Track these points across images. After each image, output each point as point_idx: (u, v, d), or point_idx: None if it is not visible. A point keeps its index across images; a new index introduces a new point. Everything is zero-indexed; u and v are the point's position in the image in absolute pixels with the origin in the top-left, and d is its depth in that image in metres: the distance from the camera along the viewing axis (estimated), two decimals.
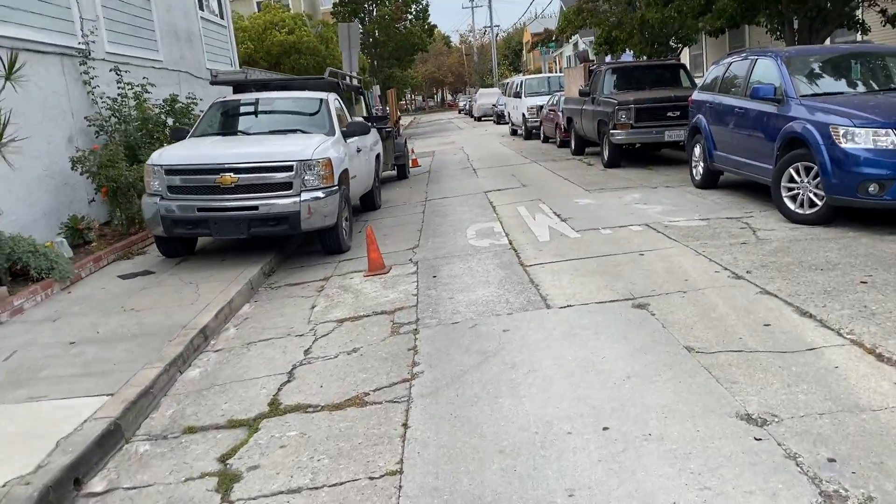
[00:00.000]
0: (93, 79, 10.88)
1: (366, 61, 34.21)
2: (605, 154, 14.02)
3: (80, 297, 7.16)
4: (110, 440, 4.11)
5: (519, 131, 26.62)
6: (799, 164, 7.46)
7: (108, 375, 4.97)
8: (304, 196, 7.84)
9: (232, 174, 7.75)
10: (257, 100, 9.78)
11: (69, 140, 10.26)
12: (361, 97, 13.24)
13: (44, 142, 9.61)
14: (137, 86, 11.79)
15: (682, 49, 19.80)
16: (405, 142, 16.76)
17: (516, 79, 29.60)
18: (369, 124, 9.84)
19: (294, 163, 7.83)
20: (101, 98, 11.04)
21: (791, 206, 7.57)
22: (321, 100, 9.61)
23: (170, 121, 11.91)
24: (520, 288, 6.08)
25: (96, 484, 3.71)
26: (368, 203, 11.78)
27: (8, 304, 6.61)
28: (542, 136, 22.89)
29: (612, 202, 9.83)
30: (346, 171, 8.90)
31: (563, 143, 19.20)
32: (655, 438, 3.35)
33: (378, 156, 12.23)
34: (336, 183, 8.20)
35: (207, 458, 3.86)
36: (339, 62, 29.15)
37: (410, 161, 18.77)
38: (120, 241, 9.31)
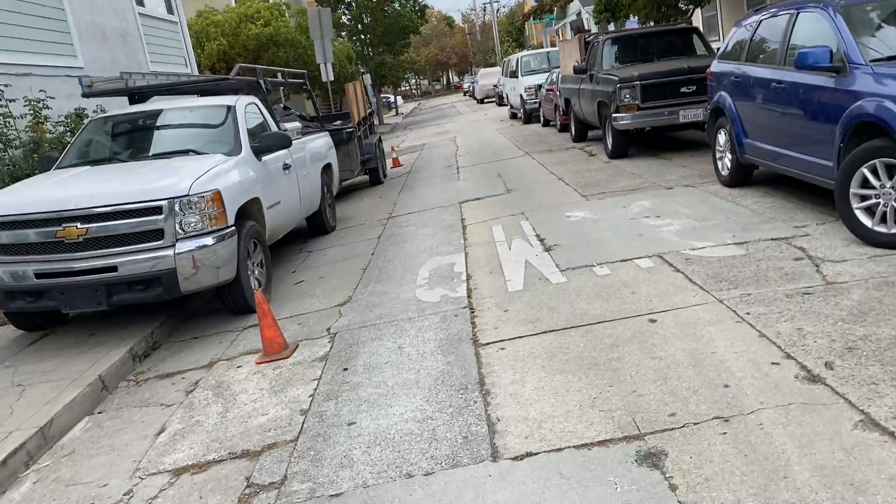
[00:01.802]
0: None
1: (352, 49, 31.82)
2: (609, 142, 11.67)
3: None
4: None
5: (518, 114, 24.26)
6: (876, 161, 5.13)
7: None
8: (183, 246, 5.68)
9: (78, 224, 5.60)
10: (147, 113, 7.57)
11: None
12: (308, 95, 10.96)
13: None
14: (35, 101, 9.72)
15: (693, 11, 17.29)
16: (378, 141, 14.50)
17: (513, 56, 27.14)
18: (289, 135, 7.61)
19: (163, 202, 5.65)
20: None
21: (867, 221, 5.24)
22: (228, 108, 7.39)
23: None
24: (461, 401, 3.83)
25: None
26: (317, 226, 9.59)
27: None
28: (541, 119, 20.53)
29: (615, 214, 7.52)
30: (254, 202, 6.70)
31: (564, 128, 16.86)
32: None
33: (328, 167, 10.01)
34: (230, 223, 6.01)
35: None
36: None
37: (390, 161, 16.56)
38: None
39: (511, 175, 11.67)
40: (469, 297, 5.62)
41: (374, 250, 7.99)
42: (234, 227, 6.07)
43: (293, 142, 8.59)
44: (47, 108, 9.83)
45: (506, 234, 7.45)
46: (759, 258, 5.30)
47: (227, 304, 6.35)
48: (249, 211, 6.69)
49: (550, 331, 4.56)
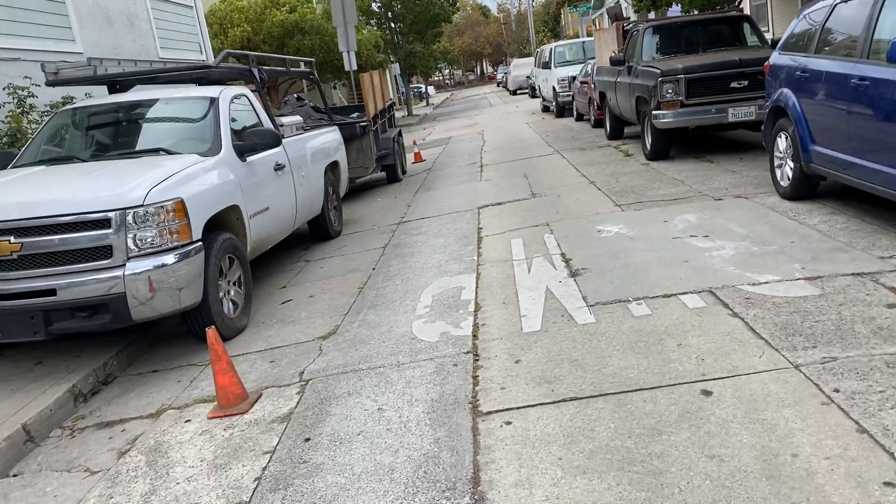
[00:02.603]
0: None
1: (380, 37, 30.81)
2: (648, 142, 10.54)
3: None
4: None
5: (550, 107, 23.10)
6: None
7: None
8: (135, 265, 4.76)
9: (11, 238, 4.70)
10: (119, 105, 6.64)
11: None
12: (316, 86, 9.97)
13: None
14: (19, 88, 8.95)
15: None
16: (397, 136, 13.50)
17: (546, 47, 25.93)
18: (277, 132, 6.62)
19: (112, 213, 4.73)
20: None
21: None
22: (210, 100, 6.45)
23: None
24: None
25: None
26: (320, 231, 8.65)
27: None
28: (574, 112, 19.36)
29: (654, 231, 6.43)
30: (232, 210, 5.77)
31: (598, 123, 15.72)
32: None
33: (335, 165, 9.05)
34: (195, 237, 5.07)
35: None
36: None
37: (412, 156, 15.60)
38: None
39: (538, 176, 10.60)
40: (475, 336, 4.60)
41: (377, 264, 7.01)
42: (200, 242, 5.13)
43: (291, 139, 7.67)
44: (32, 96, 9.03)
45: (526, 251, 6.41)
46: (839, 301, 4.19)
47: (193, 330, 5.41)
48: (226, 220, 5.77)
49: (572, 398, 3.53)
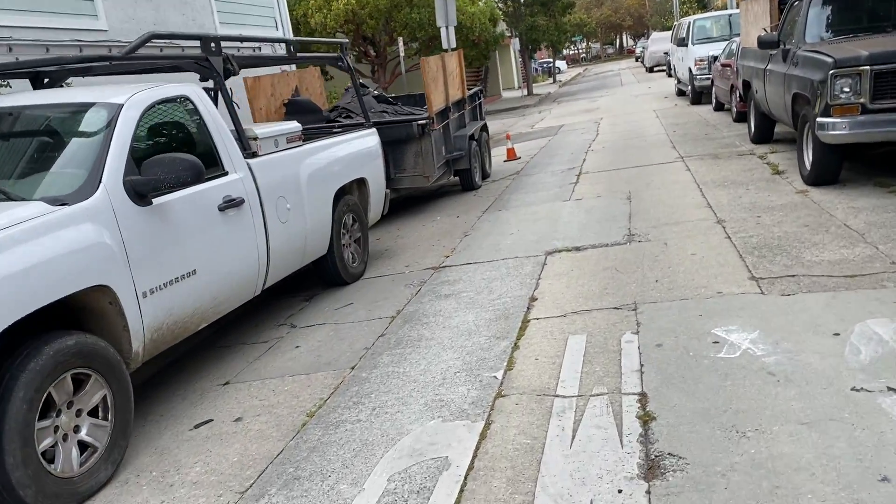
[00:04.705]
0: None
1: (497, 10, 28.00)
2: (807, 158, 7.44)
3: None
4: None
5: (686, 91, 19.66)
6: None
7: None
8: None
9: None
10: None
11: None
12: (349, 73, 7.55)
13: None
14: None
15: None
16: (478, 132, 10.95)
17: (684, 20, 22.28)
18: (197, 162, 4.23)
19: None
20: None
21: None
22: (111, 109, 4.22)
23: None
24: None
25: None
26: (327, 275, 6.40)
27: None
28: (713, 100, 15.98)
29: (814, 357, 3.62)
30: (96, 293, 3.57)
31: (742, 116, 12.46)
32: None
33: (360, 184, 6.76)
34: None
35: None
36: (463, 14, 23.58)
37: (504, 152, 13.08)
38: None
39: (645, 200, 7.78)
40: None
41: (364, 356, 4.65)
42: None
43: (269, 157, 5.41)
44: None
45: (583, 374, 3.80)
46: None
47: None
48: (89, 307, 3.59)
49: None
